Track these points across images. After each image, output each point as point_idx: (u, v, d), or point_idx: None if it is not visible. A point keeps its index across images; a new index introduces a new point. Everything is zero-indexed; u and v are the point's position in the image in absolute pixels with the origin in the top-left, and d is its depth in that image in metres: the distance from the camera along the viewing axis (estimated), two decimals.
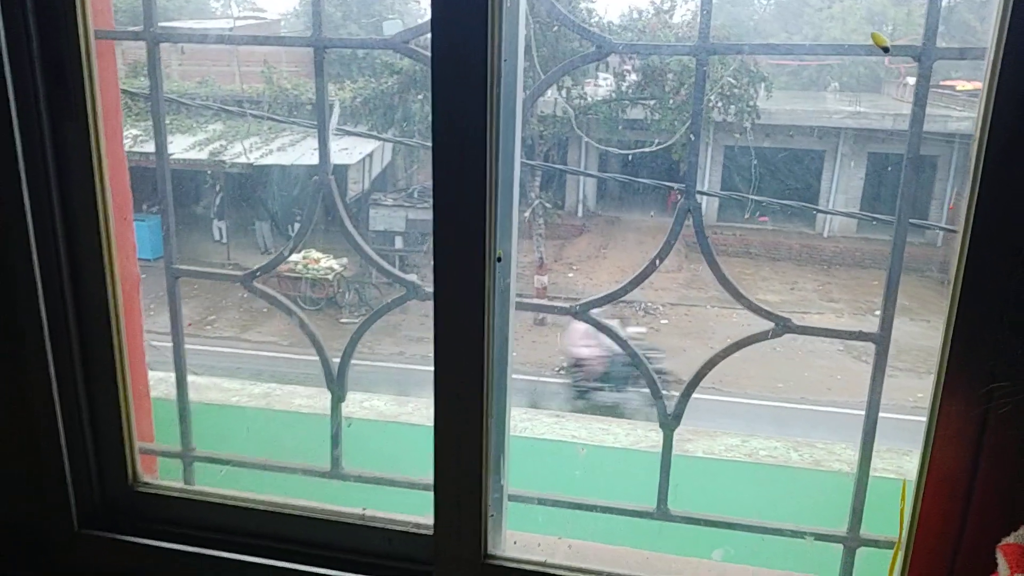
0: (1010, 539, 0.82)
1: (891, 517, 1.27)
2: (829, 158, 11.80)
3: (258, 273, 1.36)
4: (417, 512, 1.37)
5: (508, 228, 1.17)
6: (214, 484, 1.48)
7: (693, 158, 1.17)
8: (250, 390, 3.02)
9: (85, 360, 1.35)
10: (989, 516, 1.08)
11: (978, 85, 0.99)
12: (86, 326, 1.33)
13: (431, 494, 1.28)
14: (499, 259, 1.15)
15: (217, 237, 10.75)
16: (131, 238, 1.41)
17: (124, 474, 1.42)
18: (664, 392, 1.31)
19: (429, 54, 1.06)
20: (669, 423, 1.30)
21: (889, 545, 1.26)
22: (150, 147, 1.46)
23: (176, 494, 1.43)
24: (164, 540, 1.39)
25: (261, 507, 1.41)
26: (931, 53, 1.05)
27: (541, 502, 1.37)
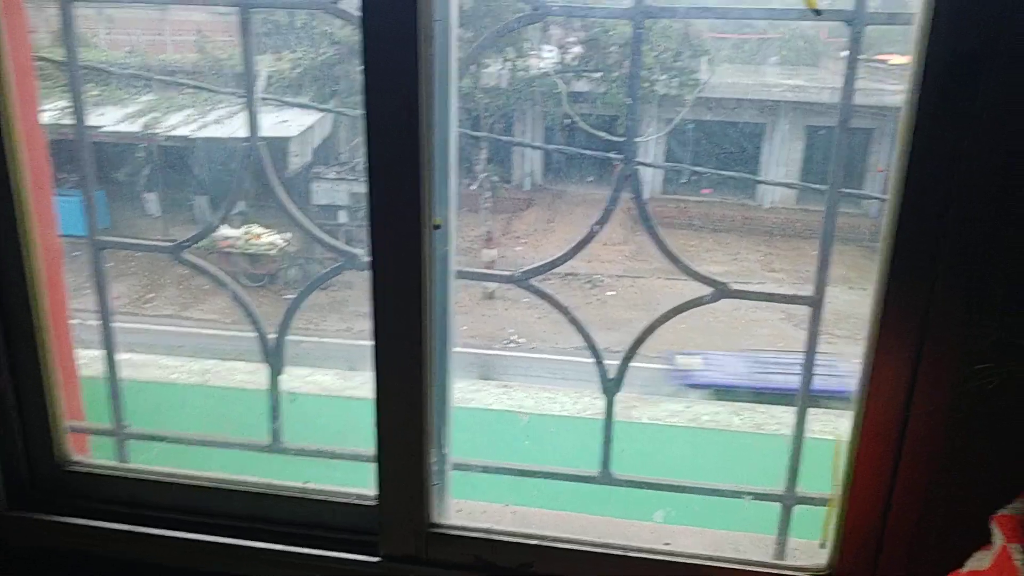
0: (1005, 511, 0.85)
1: (827, 475, 1.31)
2: (769, 131, 12.00)
3: (187, 244, 1.31)
4: (363, 485, 1.36)
5: (446, 194, 1.15)
6: (149, 462, 1.44)
7: (631, 123, 1.16)
8: (189, 367, 2.96)
9: (6, 335, 1.29)
10: (918, 471, 1.12)
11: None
12: (4, 300, 1.27)
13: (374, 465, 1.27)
14: (437, 226, 1.13)
15: (150, 211, 10.40)
16: (51, 210, 1.35)
17: (52, 453, 1.38)
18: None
19: (359, 15, 1.03)
20: (611, 388, 1.31)
21: (823, 502, 1.30)
22: None
23: (108, 472, 1.39)
24: (97, 519, 1.35)
25: (199, 483, 1.38)
26: (862, 17, 1.06)
27: (485, 470, 1.37)
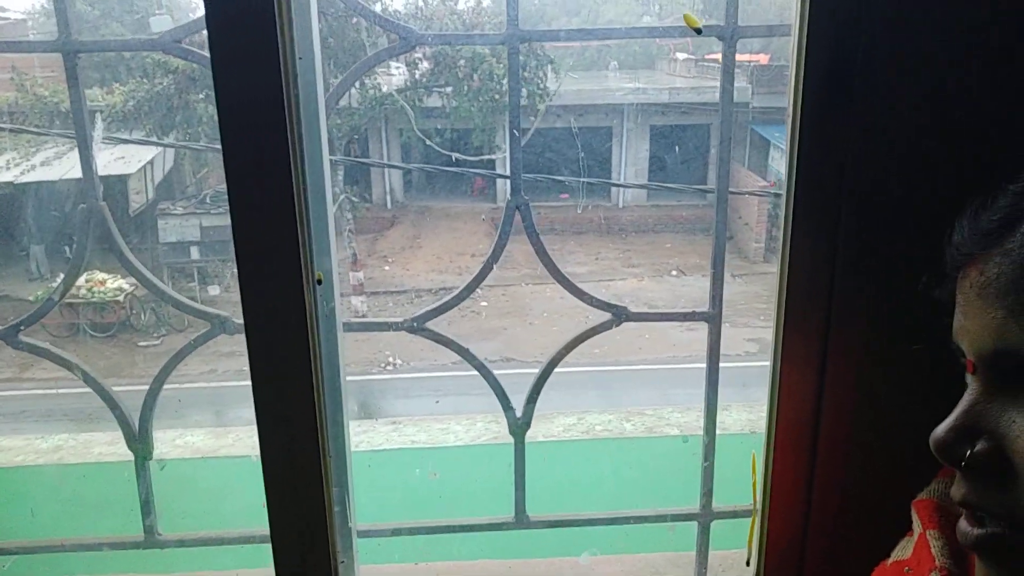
0: (922, 495, 0.82)
1: (733, 478, 1.30)
2: (616, 134, 12.46)
3: (22, 327, 1.13)
4: (256, 563, 1.22)
5: (326, 244, 1.05)
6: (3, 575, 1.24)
7: (517, 153, 1.10)
8: (37, 446, 2.63)
9: None
10: (834, 466, 1.12)
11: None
12: None
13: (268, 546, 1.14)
14: (319, 281, 1.03)
15: None
16: None
17: None
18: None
19: (207, 55, 0.91)
20: (519, 430, 1.24)
21: (734, 514, 1.29)
22: None
23: None
24: None
25: None
26: (736, 32, 1.06)
27: (396, 533, 1.26)
